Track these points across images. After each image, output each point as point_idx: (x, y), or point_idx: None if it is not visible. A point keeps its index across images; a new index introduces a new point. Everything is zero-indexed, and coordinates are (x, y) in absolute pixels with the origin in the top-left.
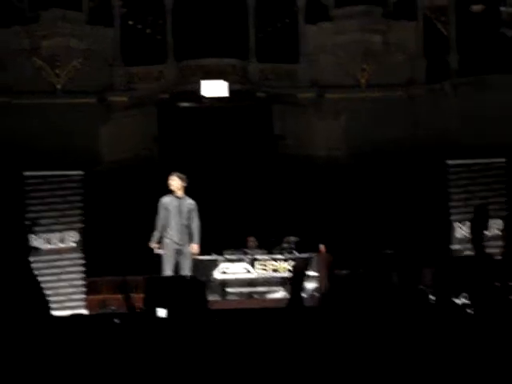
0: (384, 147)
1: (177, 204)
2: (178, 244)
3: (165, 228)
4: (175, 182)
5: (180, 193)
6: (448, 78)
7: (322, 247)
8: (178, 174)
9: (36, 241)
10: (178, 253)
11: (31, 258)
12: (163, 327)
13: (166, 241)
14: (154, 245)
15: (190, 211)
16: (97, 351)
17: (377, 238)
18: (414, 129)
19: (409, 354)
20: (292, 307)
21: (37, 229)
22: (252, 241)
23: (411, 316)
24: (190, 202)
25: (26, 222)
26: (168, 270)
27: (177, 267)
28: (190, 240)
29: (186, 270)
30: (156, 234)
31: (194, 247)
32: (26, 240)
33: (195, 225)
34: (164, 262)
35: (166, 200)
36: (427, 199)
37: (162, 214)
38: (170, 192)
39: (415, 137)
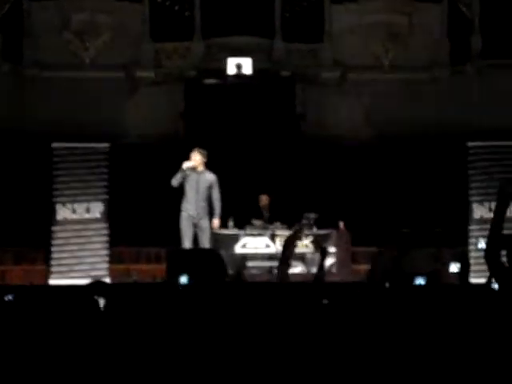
0: (407, 128)
1: (195, 179)
2: (193, 217)
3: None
4: (197, 158)
5: (200, 168)
6: (471, 60)
7: (341, 224)
8: (199, 149)
9: (62, 211)
10: (195, 226)
11: (57, 228)
12: (185, 295)
13: (183, 214)
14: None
15: (210, 186)
16: (119, 319)
17: (396, 218)
18: (436, 110)
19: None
20: (318, 282)
21: (63, 199)
22: (265, 199)
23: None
24: (209, 177)
25: (54, 193)
26: (187, 243)
27: (195, 240)
28: (210, 214)
29: (205, 244)
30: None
31: (215, 222)
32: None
33: (216, 198)
34: (182, 235)
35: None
36: (447, 180)
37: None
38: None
39: (438, 118)
